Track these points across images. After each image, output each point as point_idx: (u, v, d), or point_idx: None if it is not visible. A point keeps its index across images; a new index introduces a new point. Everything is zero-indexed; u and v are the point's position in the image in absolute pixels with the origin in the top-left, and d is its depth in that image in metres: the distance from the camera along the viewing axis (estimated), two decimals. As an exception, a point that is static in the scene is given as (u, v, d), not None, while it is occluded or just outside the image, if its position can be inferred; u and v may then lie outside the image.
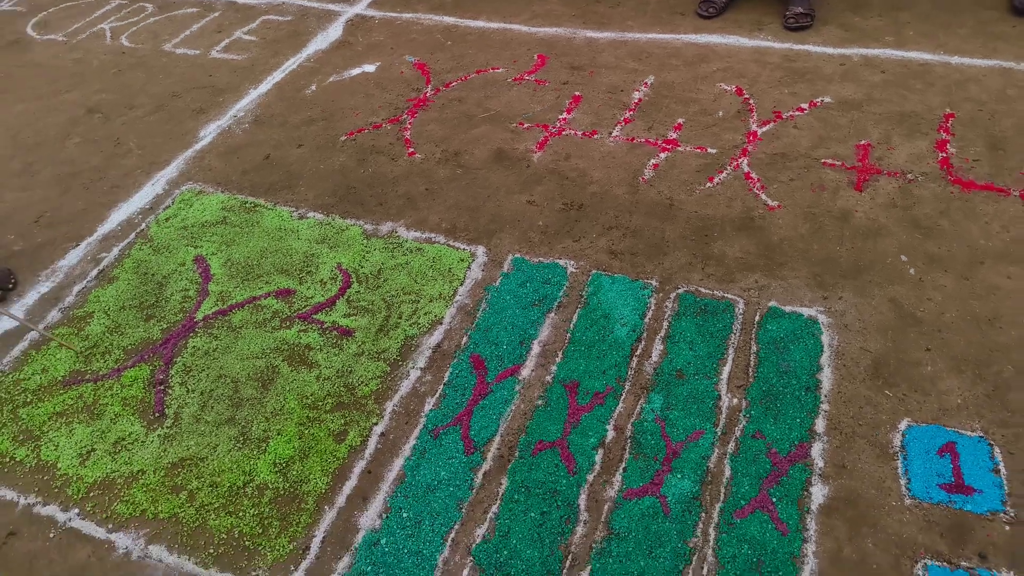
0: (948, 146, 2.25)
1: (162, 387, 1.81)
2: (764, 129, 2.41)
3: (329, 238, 2.19)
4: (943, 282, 1.86)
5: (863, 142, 2.30)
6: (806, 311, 1.83)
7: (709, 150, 2.36)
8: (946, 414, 1.59)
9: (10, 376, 1.87)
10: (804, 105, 2.48)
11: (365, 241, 2.17)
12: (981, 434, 1.54)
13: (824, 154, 2.28)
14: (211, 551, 1.49)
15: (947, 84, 2.49)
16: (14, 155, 2.63)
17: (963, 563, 1.36)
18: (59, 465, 1.67)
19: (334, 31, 3.22)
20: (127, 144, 2.63)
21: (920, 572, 1.36)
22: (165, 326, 1.96)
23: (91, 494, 1.61)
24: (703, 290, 1.91)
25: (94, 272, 2.14)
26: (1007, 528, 1.40)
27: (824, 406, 1.63)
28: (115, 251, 2.20)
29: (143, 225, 2.28)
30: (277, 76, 2.94)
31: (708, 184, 2.23)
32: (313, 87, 2.86)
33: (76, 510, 1.58)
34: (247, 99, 2.82)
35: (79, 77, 3.04)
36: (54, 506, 1.59)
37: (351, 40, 3.16)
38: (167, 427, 1.73)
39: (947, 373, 1.66)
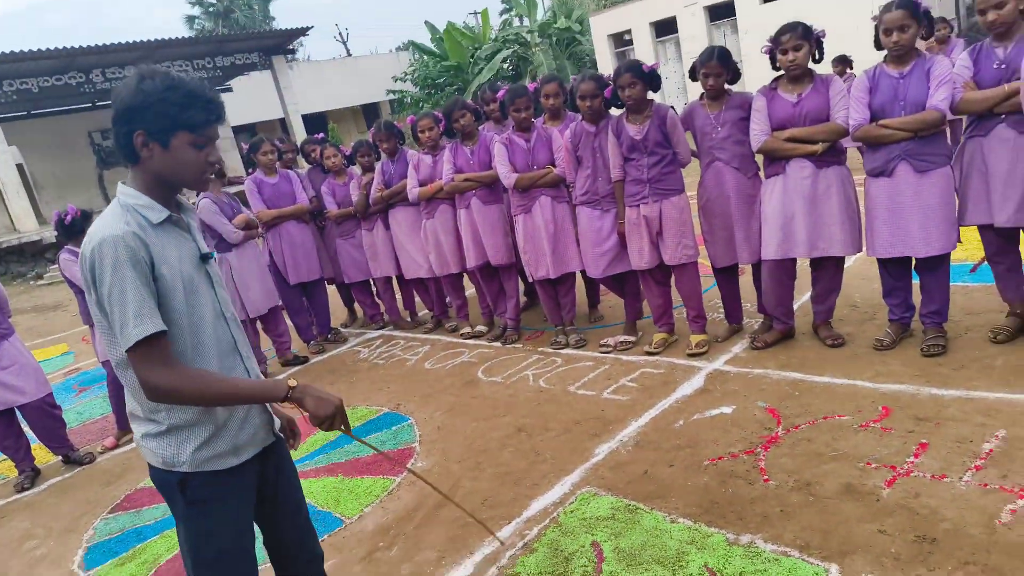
0: None
1: (568, 637, 2.35)
2: None
3: (696, 541, 2.68)
4: None
5: None
6: None
7: (1076, 502, 2.41)
8: None
9: (464, 609, 2.59)
10: None
11: (727, 547, 2.61)
12: None
13: None
14: None
15: None
16: (468, 456, 3.74)
17: None
18: None
19: (697, 381, 4.05)
20: (544, 455, 3.57)
21: None
22: None
23: None
24: (1081, 636, 1.92)
25: (520, 544, 2.90)
26: None
27: None
28: (535, 530, 2.96)
29: (555, 513, 3.05)
30: (652, 412, 3.77)
31: (1078, 534, 2.27)
32: (681, 422, 3.61)
33: None
34: (629, 428, 3.66)
35: (511, 406, 4.26)
36: None
37: (710, 388, 3.93)
38: (571, 669, 2.22)
39: None
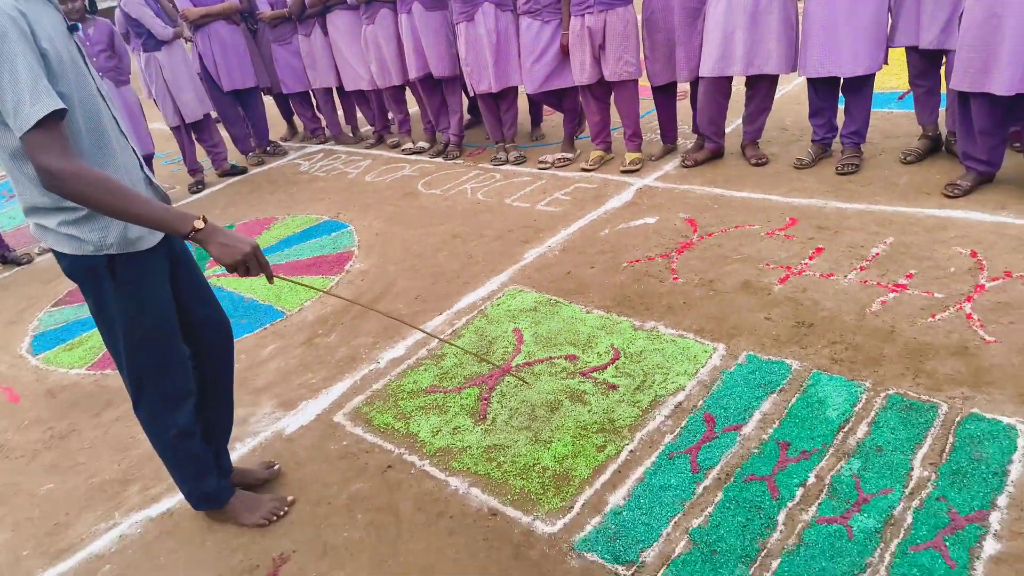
0: None
1: (486, 401, 2.66)
2: (992, 284, 2.74)
3: (607, 327, 2.98)
4: None
5: (1095, 300, 2.53)
6: (1006, 420, 2.12)
7: (936, 295, 2.75)
8: None
9: (395, 382, 2.87)
10: (1037, 267, 2.78)
11: (633, 331, 2.91)
12: None
13: (1050, 305, 2.54)
14: (510, 497, 2.20)
15: None
16: (405, 259, 3.92)
17: None
18: (419, 435, 2.55)
19: (627, 195, 4.23)
20: (476, 258, 3.78)
21: (1083, 620, 1.57)
22: (491, 367, 2.85)
23: (437, 454, 2.45)
24: (911, 393, 2.29)
25: (450, 330, 3.16)
26: None
27: (1009, 488, 1.90)
28: (463, 320, 3.22)
29: (483, 307, 3.30)
30: (581, 222, 3.97)
31: (930, 319, 2.62)
32: (606, 231, 3.82)
33: (427, 461, 2.42)
34: (558, 236, 3.86)
35: (449, 216, 4.39)
36: (415, 456, 2.45)
37: (638, 202, 4.13)
38: (486, 425, 2.54)
39: None
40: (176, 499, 2.42)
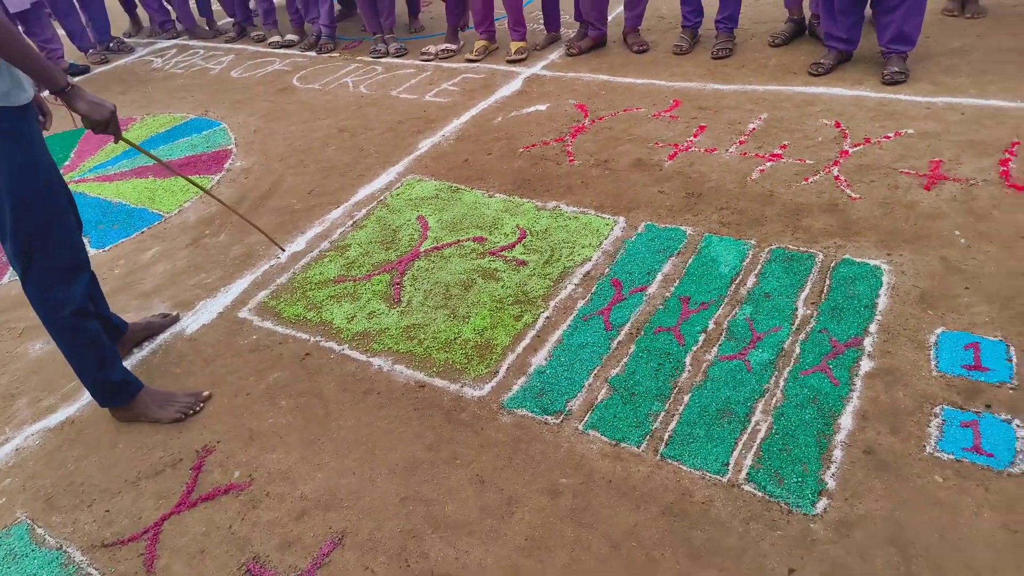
0: (1010, 163, 2.76)
1: (398, 286, 2.65)
2: (855, 149, 3.03)
3: (510, 209, 3.02)
4: (988, 248, 2.37)
5: (936, 159, 2.86)
6: (872, 262, 2.40)
7: (807, 161, 3.00)
8: (975, 327, 2.09)
9: (301, 275, 2.79)
10: (890, 134, 3.08)
11: (536, 211, 2.97)
12: (1001, 338, 2.04)
13: (902, 166, 2.86)
14: (435, 369, 2.25)
15: (1018, 122, 3.01)
16: (291, 155, 3.72)
17: (972, 409, 1.86)
18: (334, 322, 2.52)
19: (515, 84, 4.20)
20: (368, 151, 3.65)
21: (938, 411, 1.87)
22: (399, 253, 2.83)
23: (354, 338, 2.44)
24: (791, 246, 2.53)
25: (349, 223, 3.08)
26: (1011, 392, 1.88)
27: (878, 317, 2.18)
28: (363, 211, 3.14)
29: (382, 197, 3.22)
30: (473, 112, 3.92)
31: (803, 183, 2.87)
32: (499, 119, 3.80)
33: (346, 346, 2.41)
34: (451, 125, 3.80)
35: (331, 110, 4.18)
36: (332, 343, 2.43)
37: (528, 90, 4.11)
38: (402, 308, 2.55)
39: (980, 303, 2.17)
40: (76, 406, 2.27)
